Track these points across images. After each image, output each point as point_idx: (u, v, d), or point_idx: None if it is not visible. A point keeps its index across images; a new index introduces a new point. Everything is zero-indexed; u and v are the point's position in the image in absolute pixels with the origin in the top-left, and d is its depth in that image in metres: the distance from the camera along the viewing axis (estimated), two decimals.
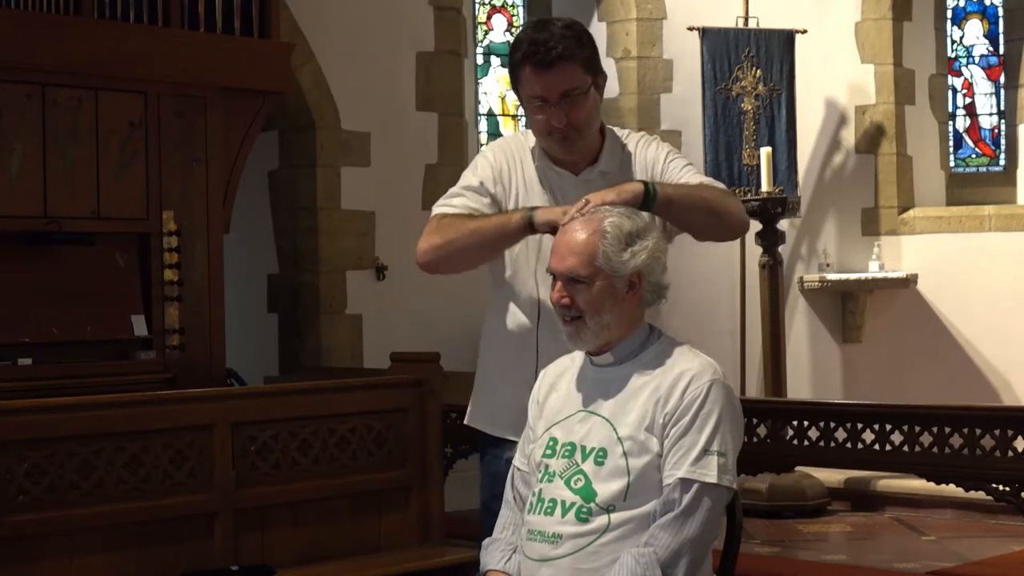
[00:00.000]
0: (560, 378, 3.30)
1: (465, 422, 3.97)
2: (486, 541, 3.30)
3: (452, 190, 3.70)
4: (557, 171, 3.62)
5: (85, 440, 5.12)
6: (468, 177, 3.70)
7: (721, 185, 3.65)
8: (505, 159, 3.70)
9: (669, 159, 3.68)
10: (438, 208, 3.68)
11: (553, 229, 3.34)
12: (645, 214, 3.24)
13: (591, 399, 3.18)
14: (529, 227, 3.44)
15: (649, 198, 3.33)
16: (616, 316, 3.13)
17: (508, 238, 3.53)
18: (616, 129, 3.75)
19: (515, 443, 3.41)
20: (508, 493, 3.33)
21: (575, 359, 3.30)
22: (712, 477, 3.01)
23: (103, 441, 5.16)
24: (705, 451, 3.02)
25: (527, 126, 3.73)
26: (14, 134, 6.28)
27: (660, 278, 3.17)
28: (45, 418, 5.06)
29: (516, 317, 3.70)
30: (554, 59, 3.45)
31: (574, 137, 3.54)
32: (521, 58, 3.51)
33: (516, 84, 3.59)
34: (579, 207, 3.25)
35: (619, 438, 3.07)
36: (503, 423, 3.71)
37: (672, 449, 3.04)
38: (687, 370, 3.10)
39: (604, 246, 3.11)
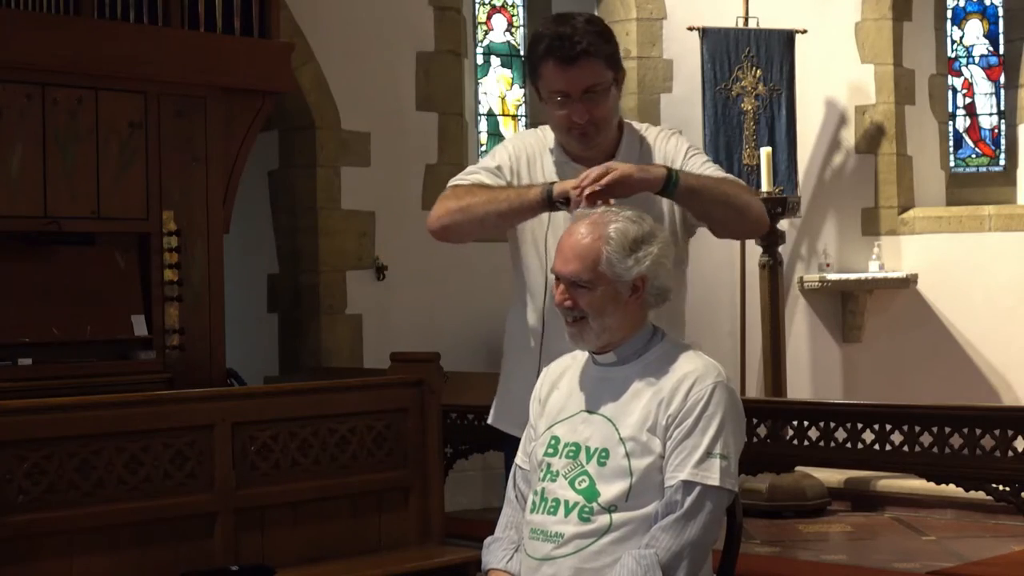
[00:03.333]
0: (562, 376, 3.30)
1: (488, 422, 3.94)
2: (488, 540, 3.30)
3: (468, 168, 3.72)
4: (574, 167, 3.58)
5: (85, 440, 5.12)
6: (486, 160, 3.72)
7: (742, 182, 3.66)
8: (525, 151, 3.71)
9: (689, 154, 3.68)
10: (453, 181, 3.68)
11: (566, 200, 3.36)
12: (651, 219, 3.23)
13: (594, 398, 3.18)
14: (547, 200, 3.44)
15: (671, 184, 3.37)
16: (619, 318, 3.14)
17: (524, 210, 3.53)
18: (634, 123, 3.74)
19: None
20: (510, 492, 3.33)
21: (577, 357, 3.30)
22: (714, 480, 3.01)
23: (103, 441, 5.16)
24: (708, 453, 3.02)
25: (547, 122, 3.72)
26: (14, 134, 6.27)
27: (664, 282, 3.17)
28: (45, 418, 5.06)
29: (528, 313, 3.69)
30: (578, 54, 3.45)
31: (593, 133, 3.54)
32: (544, 52, 3.50)
33: (536, 78, 3.57)
34: (599, 172, 3.27)
35: (621, 438, 3.07)
36: (520, 421, 3.67)
37: (675, 451, 3.04)
38: (691, 372, 3.10)
39: (608, 252, 3.10)
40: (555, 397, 3.27)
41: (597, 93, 3.48)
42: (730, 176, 3.65)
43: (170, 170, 6.76)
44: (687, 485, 3.01)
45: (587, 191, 3.29)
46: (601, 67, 3.48)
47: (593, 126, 3.53)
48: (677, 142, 3.70)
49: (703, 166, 3.64)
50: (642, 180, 3.36)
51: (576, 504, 3.07)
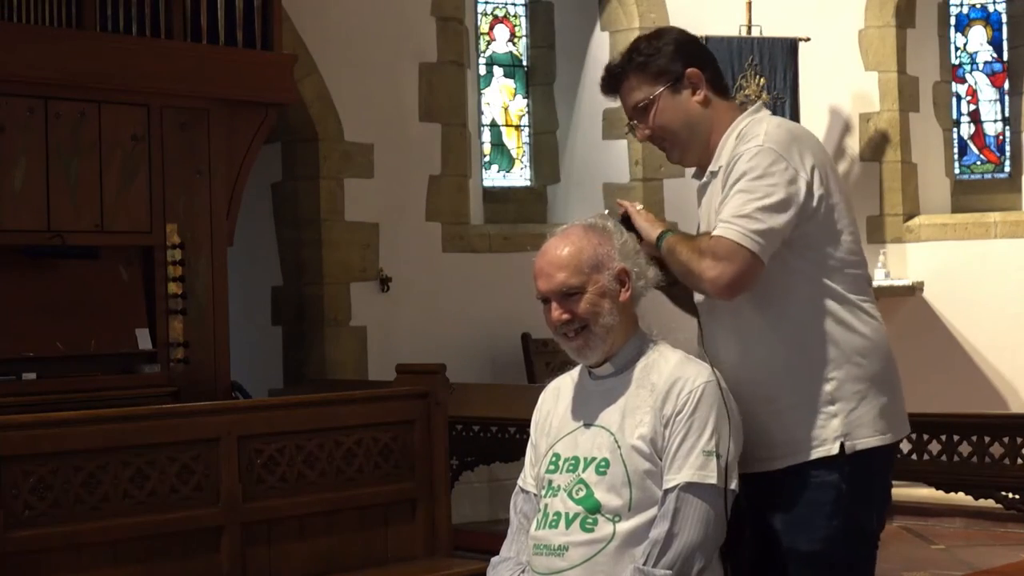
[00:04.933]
0: (559, 396, 3.35)
1: None
2: (495, 560, 3.31)
3: None
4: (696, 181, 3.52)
5: (90, 455, 5.11)
6: None
7: (717, 244, 3.16)
8: None
9: (735, 181, 3.23)
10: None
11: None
12: (603, 217, 3.29)
13: (592, 412, 3.21)
14: None
15: (658, 245, 3.28)
16: (616, 317, 3.18)
17: None
18: (742, 119, 3.40)
19: None
20: (512, 516, 3.34)
21: (573, 376, 3.35)
22: (713, 478, 3.05)
23: (108, 455, 5.15)
24: (704, 454, 3.06)
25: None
26: (17, 148, 6.26)
27: (642, 265, 3.24)
28: (50, 433, 5.05)
29: None
30: (611, 82, 3.44)
31: (668, 146, 3.43)
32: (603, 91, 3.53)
33: None
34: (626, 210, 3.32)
35: (620, 447, 3.11)
36: None
37: (673, 454, 3.07)
38: (682, 375, 3.14)
39: (584, 251, 3.18)
40: (554, 416, 3.31)
41: (645, 108, 3.38)
42: (732, 223, 3.16)
43: (173, 183, 6.75)
44: (687, 487, 3.04)
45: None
46: (636, 84, 3.39)
47: (661, 139, 3.41)
48: (744, 156, 3.23)
49: (729, 203, 3.21)
50: (641, 228, 3.31)
51: (576, 515, 3.09)
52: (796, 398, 3.21)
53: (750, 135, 3.27)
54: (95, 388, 6.30)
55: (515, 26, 10.13)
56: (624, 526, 3.05)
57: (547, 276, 3.19)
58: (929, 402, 8.40)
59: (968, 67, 10.38)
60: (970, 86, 10.39)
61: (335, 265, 8.58)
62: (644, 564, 3.00)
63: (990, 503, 6.20)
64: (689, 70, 3.39)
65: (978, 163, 10.38)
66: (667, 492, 3.05)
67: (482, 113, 9.92)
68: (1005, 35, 10.32)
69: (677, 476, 3.04)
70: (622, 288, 3.19)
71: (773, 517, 3.23)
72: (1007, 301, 9.53)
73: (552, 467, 3.19)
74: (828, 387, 3.22)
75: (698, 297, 3.37)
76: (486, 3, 10.03)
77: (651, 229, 3.29)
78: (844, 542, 3.21)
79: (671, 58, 3.41)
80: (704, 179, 3.41)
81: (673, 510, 3.02)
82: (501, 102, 10.06)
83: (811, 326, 3.23)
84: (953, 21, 10.39)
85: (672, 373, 3.14)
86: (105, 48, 6.48)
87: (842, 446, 3.20)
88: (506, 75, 10.08)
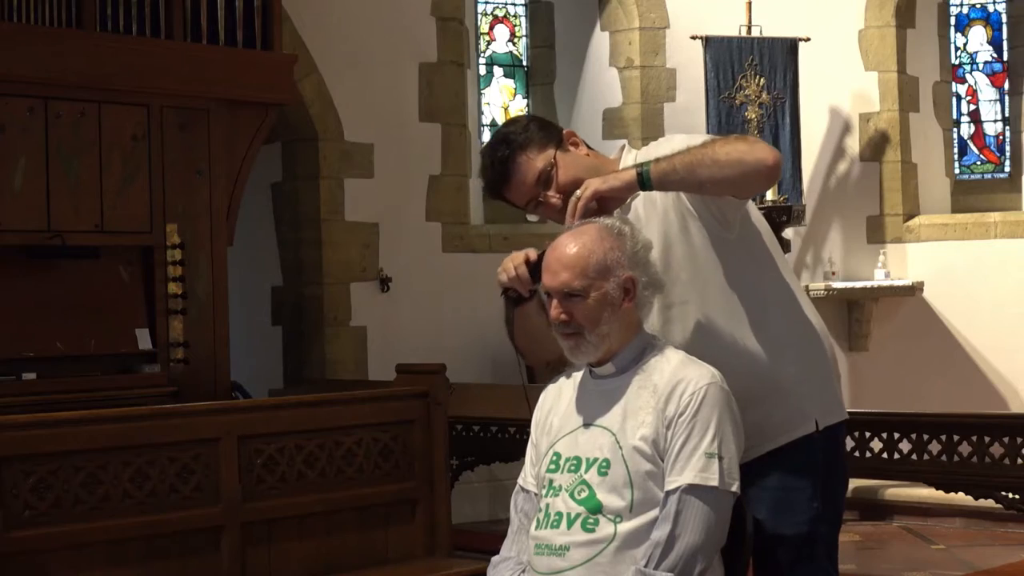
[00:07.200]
0: (560, 395, 3.32)
1: None
2: (495, 559, 3.30)
3: None
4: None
5: (90, 455, 5.11)
6: None
7: (734, 136, 3.25)
8: None
9: (671, 144, 3.31)
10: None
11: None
12: (622, 220, 3.21)
13: (593, 412, 3.19)
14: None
15: (645, 179, 3.17)
16: (614, 325, 3.15)
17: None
18: (633, 152, 3.49)
19: None
20: (513, 514, 3.33)
21: (575, 376, 3.32)
22: (715, 480, 3.03)
23: (108, 456, 5.15)
24: (707, 456, 3.04)
25: None
26: (17, 148, 6.26)
27: (651, 273, 3.19)
28: (50, 433, 5.05)
29: None
30: (499, 174, 3.37)
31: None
32: (489, 192, 3.47)
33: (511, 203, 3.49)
34: (573, 203, 3.20)
35: (621, 447, 3.09)
36: None
37: (675, 456, 3.06)
38: (685, 377, 3.11)
39: (594, 255, 3.12)
40: (555, 415, 3.29)
41: (549, 174, 3.34)
42: (718, 136, 3.26)
43: (173, 183, 6.75)
44: (688, 488, 3.02)
45: (575, 221, 3.20)
46: (532, 156, 3.35)
47: (568, 195, 3.31)
48: (658, 145, 3.38)
49: (684, 142, 3.26)
50: (612, 188, 3.19)
51: (578, 515, 3.07)
52: (767, 386, 3.27)
53: (661, 144, 3.33)
54: (95, 388, 6.30)
55: (515, 26, 10.13)
56: (625, 527, 3.03)
57: (553, 273, 3.15)
58: (929, 402, 8.46)
59: (968, 67, 10.39)
60: (970, 86, 10.39)
61: (335, 265, 8.58)
62: (646, 566, 2.99)
63: (990, 503, 6.20)
64: (564, 132, 3.45)
65: (978, 163, 10.38)
66: (669, 494, 3.03)
67: (482, 113, 9.92)
68: (1005, 35, 10.33)
69: (679, 478, 3.02)
70: (626, 297, 3.14)
71: (754, 507, 3.25)
72: (1007, 301, 9.54)
73: (553, 466, 3.18)
74: (793, 371, 3.28)
75: (666, 303, 3.33)
76: (486, 3, 10.03)
77: (624, 174, 3.19)
78: (825, 522, 3.29)
79: (541, 127, 3.42)
80: (625, 212, 3.35)
81: (675, 512, 3.01)
82: (501, 102, 10.06)
83: (770, 315, 3.29)
84: (953, 21, 10.40)
85: (674, 374, 3.12)
86: (105, 48, 6.48)
87: (816, 423, 3.28)
88: (506, 75, 10.08)
